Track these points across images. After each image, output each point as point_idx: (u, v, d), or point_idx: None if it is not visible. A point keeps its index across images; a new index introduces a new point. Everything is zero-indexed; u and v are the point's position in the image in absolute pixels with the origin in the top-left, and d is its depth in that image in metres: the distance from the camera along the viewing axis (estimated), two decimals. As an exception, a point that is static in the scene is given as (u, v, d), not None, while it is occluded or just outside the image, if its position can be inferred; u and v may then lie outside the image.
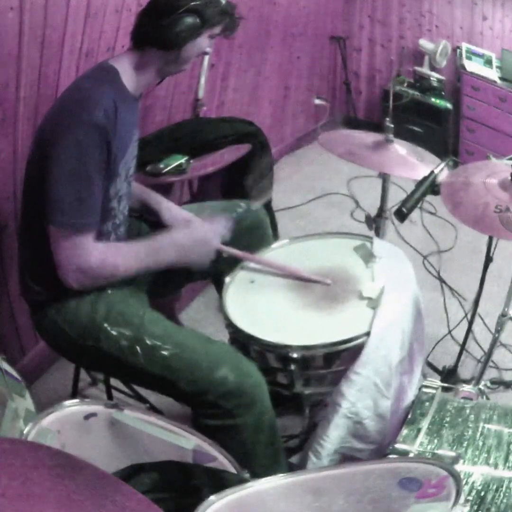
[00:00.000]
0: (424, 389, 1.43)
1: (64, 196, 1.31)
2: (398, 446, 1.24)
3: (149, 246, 1.47)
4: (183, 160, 2.12)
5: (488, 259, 1.96)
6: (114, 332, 1.41)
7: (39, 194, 1.34)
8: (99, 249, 1.38)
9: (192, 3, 1.34)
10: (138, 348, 1.39)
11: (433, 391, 1.42)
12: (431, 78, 4.02)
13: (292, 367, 1.40)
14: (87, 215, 1.34)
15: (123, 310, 1.45)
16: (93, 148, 1.30)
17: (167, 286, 1.76)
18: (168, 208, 1.69)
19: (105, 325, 1.41)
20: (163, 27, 1.35)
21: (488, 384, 2.07)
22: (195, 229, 1.54)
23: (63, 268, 1.36)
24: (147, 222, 1.71)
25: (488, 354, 1.89)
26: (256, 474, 1.13)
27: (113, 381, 1.87)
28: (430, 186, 1.58)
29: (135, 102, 1.47)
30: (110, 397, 1.86)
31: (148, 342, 1.39)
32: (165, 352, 1.39)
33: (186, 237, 1.51)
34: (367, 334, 1.39)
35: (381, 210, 2.02)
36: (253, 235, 1.78)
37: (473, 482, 1.15)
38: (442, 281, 2.81)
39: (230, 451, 1.19)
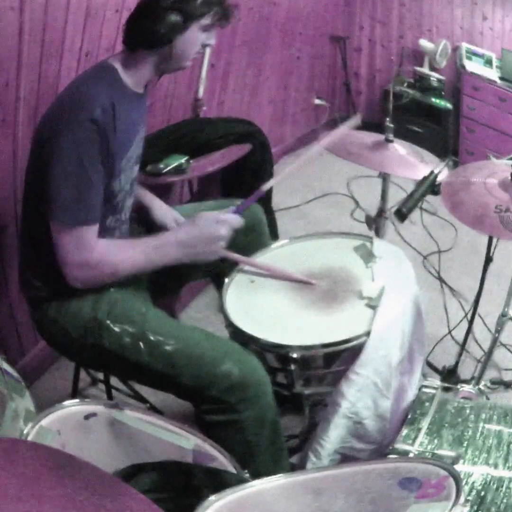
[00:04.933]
0: (424, 389, 1.43)
1: (63, 192, 1.31)
2: (398, 446, 1.24)
3: (153, 244, 1.46)
4: (183, 160, 2.12)
5: (488, 259, 1.96)
6: (116, 329, 1.41)
7: (40, 192, 1.34)
8: (102, 244, 1.38)
9: (171, 1, 1.35)
10: (141, 344, 1.39)
11: (433, 391, 1.42)
12: (431, 78, 4.02)
13: (292, 367, 1.40)
14: (88, 210, 1.34)
15: (125, 307, 1.45)
16: (90, 144, 1.31)
17: (167, 285, 1.76)
18: (159, 207, 1.69)
19: (108, 322, 1.41)
20: (145, 28, 1.37)
21: (488, 384, 2.07)
22: (201, 227, 1.50)
23: (66, 264, 1.36)
24: (141, 221, 1.70)
25: (488, 354, 1.89)
26: (258, 472, 1.13)
27: (113, 381, 1.88)
28: (430, 186, 1.58)
29: (139, 98, 1.47)
30: (110, 397, 1.86)
31: (151, 338, 1.39)
32: (168, 348, 1.38)
33: (191, 235, 1.49)
34: (367, 334, 1.38)
35: (381, 210, 2.02)
36: (250, 235, 1.77)
37: (473, 482, 1.15)
38: (442, 281, 2.81)
39: (233, 448, 1.19)
